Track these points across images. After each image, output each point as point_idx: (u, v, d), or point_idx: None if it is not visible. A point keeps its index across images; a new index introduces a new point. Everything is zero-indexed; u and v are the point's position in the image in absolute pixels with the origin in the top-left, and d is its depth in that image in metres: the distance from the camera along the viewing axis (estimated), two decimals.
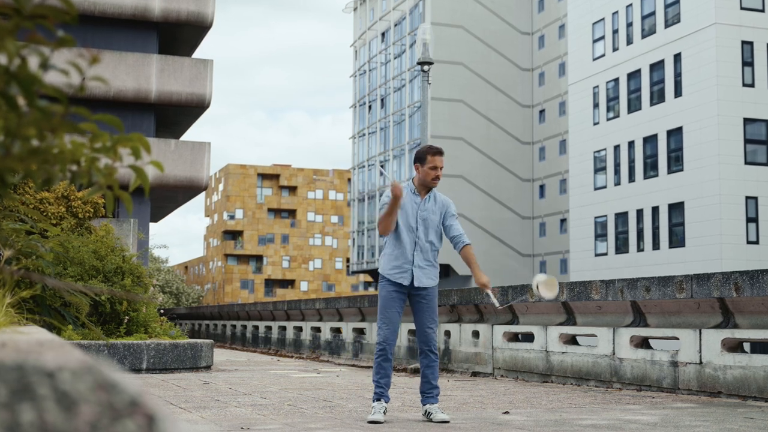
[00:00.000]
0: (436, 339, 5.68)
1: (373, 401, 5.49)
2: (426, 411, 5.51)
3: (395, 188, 5.24)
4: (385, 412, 5.43)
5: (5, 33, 1.08)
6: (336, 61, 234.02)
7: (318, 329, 15.43)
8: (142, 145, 1.20)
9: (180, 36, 25.99)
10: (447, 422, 5.31)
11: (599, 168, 36.32)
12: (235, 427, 5.00)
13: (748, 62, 30.87)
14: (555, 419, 5.52)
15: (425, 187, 5.62)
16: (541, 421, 5.39)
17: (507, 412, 5.95)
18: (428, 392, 5.57)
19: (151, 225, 30.47)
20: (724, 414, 5.77)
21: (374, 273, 50.71)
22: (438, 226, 5.64)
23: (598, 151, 36.37)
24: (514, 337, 9.86)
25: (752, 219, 30.41)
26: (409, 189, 5.63)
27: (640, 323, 8.07)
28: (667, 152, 32.54)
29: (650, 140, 33.48)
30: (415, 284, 5.54)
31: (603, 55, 36.34)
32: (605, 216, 35.66)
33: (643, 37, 34.07)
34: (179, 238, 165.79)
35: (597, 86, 36.60)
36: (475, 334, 10.36)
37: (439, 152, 5.60)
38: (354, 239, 54.45)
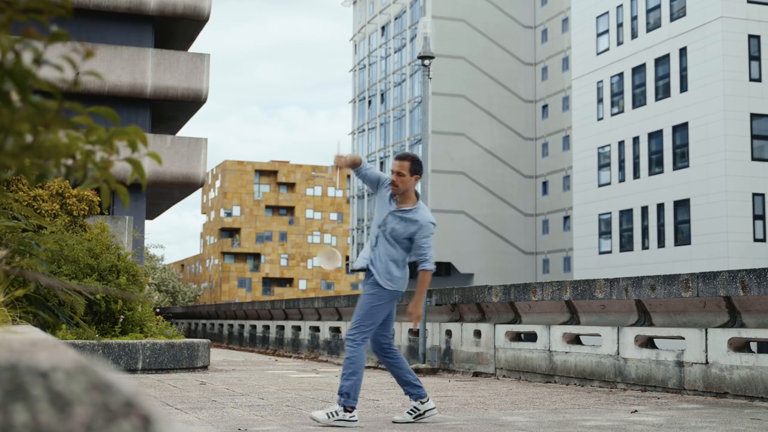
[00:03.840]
0: (349, 345, 5.41)
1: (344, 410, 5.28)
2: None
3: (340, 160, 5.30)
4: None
5: None
6: (331, 56, 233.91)
7: (317, 329, 15.36)
8: (138, 138, 1.17)
9: (176, 30, 25.87)
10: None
11: (603, 164, 36.18)
12: (232, 428, 4.95)
13: (755, 56, 30.71)
14: (558, 420, 5.47)
15: (401, 194, 5.42)
16: (544, 422, 5.34)
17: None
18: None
19: (147, 222, 30.38)
20: (730, 415, 5.72)
21: None
22: (404, 241, 5.40)
23: (602, 147, 36.23)
24: (516, 337, 9.80)
25: (759, 216, 30.28)
26: (391, 195, 5.50)
27: (645, 322, 8.01)
28: (672, 148, 32.39)
29: (655, 136, 33.34)
30: (356, 266, 5.46)
31: (607, 49, 36.17)
32: (609, 213, 35.54)
33: (648, 30, 33.89)
34: (175, 235, 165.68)
35: (601, 81, 36.45)
36: (477, 333, 10.30)
37: (397, 157, 5.47)
38: (353, 237, 54.33)
